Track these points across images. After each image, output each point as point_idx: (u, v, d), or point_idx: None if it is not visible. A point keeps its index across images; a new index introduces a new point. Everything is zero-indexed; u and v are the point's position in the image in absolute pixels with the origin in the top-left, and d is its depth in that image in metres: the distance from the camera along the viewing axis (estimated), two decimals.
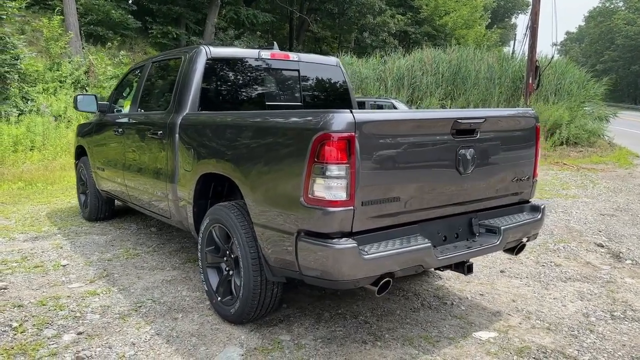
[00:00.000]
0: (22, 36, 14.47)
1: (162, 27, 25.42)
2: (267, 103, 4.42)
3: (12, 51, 12.84)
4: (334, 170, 2.56)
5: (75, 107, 5.51)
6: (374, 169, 2.68)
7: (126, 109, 5.49)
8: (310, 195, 2.64)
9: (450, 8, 30.59)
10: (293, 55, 4.64)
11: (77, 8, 21.77)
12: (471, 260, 3.29)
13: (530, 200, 3.74)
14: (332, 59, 5.00)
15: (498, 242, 3.26)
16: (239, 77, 4.32)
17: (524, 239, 3.57)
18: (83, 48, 19.87)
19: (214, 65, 4.16)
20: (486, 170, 3.27)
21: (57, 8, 20.71)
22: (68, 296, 3.87)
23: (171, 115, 4.06)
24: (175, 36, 25.69)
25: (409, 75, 19.26)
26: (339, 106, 4.86)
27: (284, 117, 2.97)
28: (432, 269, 4.42)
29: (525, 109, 3.77)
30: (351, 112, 2.59)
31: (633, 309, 3.86)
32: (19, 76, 13.44)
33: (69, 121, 14.08)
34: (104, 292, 3.96)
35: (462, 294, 4.11)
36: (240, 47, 23.13)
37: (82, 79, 16.85)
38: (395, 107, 15.17)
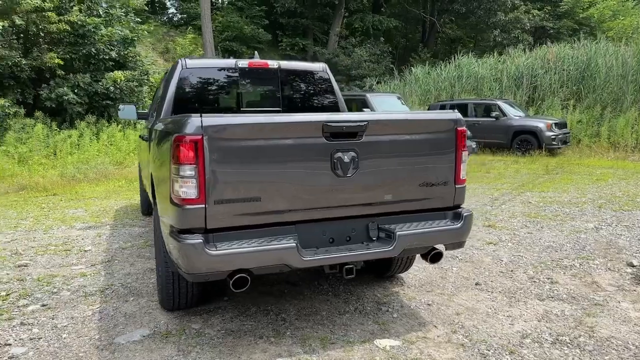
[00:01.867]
0: (148, 55, 16.43)
1: (290, 40, 26.89)
2: (242, 109, 4.72)
3: (141, 67, 14.81)
4: (186, 170, 2.79)
5: (119, 115, 6.36)
6: (225, 169, 2.83)
7: None
8: (173, 194, 2.90)
9: None
10: (273, 63, 4.88)
11: (215, 26, 24.09)
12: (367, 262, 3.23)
13: (459, 206, 3.51)
14: (317, 65, 5.12)
15: (391, 248, 3.16)
16: (213, 85, 4.70)
17: (439, 247, 3.39)
18: None
19: (188, 76, 4.58)
20: (378, 173, 3.19)
21: (190, 27, 23.08)
22: (63, 275, 4.59)
23: (153, 121, 4.58)
24: (302, 47, 27.01)
25: (528, 74, 17.91)
26: (323, 110, 4.97)
27: (165, 122, 3.26)
28: (398, 274, 4.39)
29: (444, 112, 3.53)
30: (201, 116, 2.79)
31: (591, 335, 3.38)
32: (149, 88, 15.41)
33: None
34: (92, 275, 4.62)
35: (409, 302, 3.97)
36: (356, 53, 23.49)
37: None
38: (500, 109, 14.39)
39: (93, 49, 13.43)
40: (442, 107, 14.51)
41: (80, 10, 13.42)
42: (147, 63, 15.54)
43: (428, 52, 28.64)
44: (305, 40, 26.97)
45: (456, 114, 3.41)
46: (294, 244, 2.92)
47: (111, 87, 13.42)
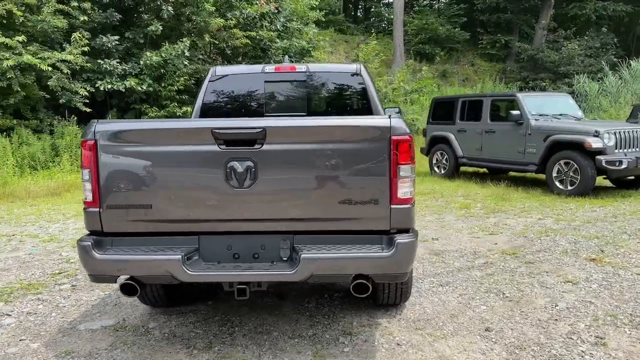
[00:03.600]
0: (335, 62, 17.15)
1: (492, 37, 25.22)
2: (265, 114, 4.68)
3: None
4: (85, 174, 2.94)
5: None
6: (116, 175, 2.89)
7: None
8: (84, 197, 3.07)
9: None
10: (301, 67, 4.70)
11: (407, 30, 24.07)
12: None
13: (407, 230, 2.89)
14: (350, 67, 4.73)
15: (293, 272, 2.78)
16: (240, 91, 4.75)
17: (366, 278, 2.84)
18: (404, 67, 21.60)
19: (217, 83, 4.73)
20: (284, 186, 2.83)
21: (374, 33, 23.39)
22: (77, 268, 5.14)
23: None
24: (504, 43, 25.08)
25: None
26: (353, 114, 4.61)
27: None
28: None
29: (374, 117, 2.89)
30: (98, 121, 2.91)
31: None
32: None
33: None
34: None
35: (380, 337, 3.41)
36: (566, 47, 20.68)
37: (389, 96, 18.66)
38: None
39: (272, 61, 14.72)
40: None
41: (262, 27, 14.86)
42: None
43: None
44: (507, 36, 24.88)
45: (392, 120, 2.82)
46: (179, 256, 2.80)
47: None
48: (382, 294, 3.72)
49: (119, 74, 12.76)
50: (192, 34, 14.10)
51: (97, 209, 2.93)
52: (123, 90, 12.77)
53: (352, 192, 2.84)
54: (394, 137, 2.80)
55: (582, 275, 4.53)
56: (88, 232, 3.02)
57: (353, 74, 4.69)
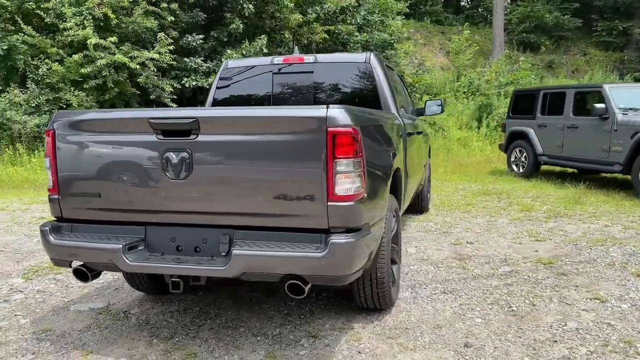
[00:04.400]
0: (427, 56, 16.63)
1: (608, 23, 22.91)
2: (273, 105, 4.60)
3: (396, 68, 15.26)
4: (47, 162, 3.10)
5: None
6: (69, 163, 2.99)
7: None
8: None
9: None
10: (309, 58, 4.54)
11: (510, 19, 22.68)
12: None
13: (351, 230, 2.67)
14: (359, 56, 4.46)
15: (224, 268, 2.69)
16: (250, 84, 4.71)
17: (300, 279, 2.66)
18: (502, 58, 20.42)
19: (229, 76, 4.75)
20: (219, 178, 2.74)
21: (467, 23, 22.29)
22: None
23: None
24: (622, 30, 22.67)
25: None
26: (359, 105, 4.37)
27: None
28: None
29: (310, 107, 2.63)
30: (59, 112, 3.04)
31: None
32: (409, 88, 15.76)
33: (441, 128, 15.47)
34: None
35: (345, 344, 3.19)
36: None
37: (482, 88, 17.71)
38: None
39: None
40: None
41: (343, 21, 14.76)
42: (409, 64, 15.92)
43: None
44: (626, 22, 22.32)
45: (330, 110, 2.60)
46: (120, 246, 2.83)
47: None
48: (358, 297, 3.49)
49: (204, 71, 13.40)
50: (274, 31, 14.39)
51: (57, 196, 3.06)
52: (207, 87, 13.39)
53: (287, 186, 2.67)
54: (330, 129, 2.58)
55: (617, 293, 3.90)
56: (54, 218, 3.17)
57: (361, 63, 4.44)
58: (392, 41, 15.32)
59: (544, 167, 10.49)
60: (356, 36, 14.51)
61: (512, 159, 10.65)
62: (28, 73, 12.29)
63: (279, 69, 4.63)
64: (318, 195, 2.63)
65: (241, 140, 2.71)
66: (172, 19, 13.08)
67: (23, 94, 12.05)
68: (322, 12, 14.44)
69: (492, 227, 6.20)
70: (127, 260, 2.82)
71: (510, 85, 17.04)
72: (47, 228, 3.03)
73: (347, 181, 2.64)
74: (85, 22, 12.13)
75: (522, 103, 10.49)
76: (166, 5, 13.00)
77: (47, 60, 12.24)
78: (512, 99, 10.93)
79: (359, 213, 2.72)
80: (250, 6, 13.37)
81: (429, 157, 7.44)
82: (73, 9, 12.25)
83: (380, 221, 3.16)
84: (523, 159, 10.32)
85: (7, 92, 11.92)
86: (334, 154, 2.59)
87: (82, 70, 12.08)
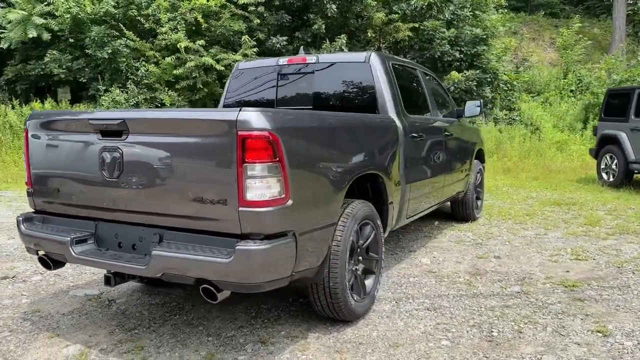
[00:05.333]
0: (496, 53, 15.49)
1: None
2: (277, 107, 4.58)
3: (486, 65, 14.45)
4: (23, 157, 3.40)
5: None
6: (37, 160, 3.26)
7: None
8: None
9: None
10: (311, 58, 4.44)
11: (636, 10, 20.49)
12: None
13: (277, 235, 2.61)
14: (359, 55, 4.24)
15: (144, 267, 2.76)
16: (257, 85, 4.72)
17: (212, 284, 2.63)
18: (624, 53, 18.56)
19: (239, 78, 4.82)
20: (144, 179, 2.80)
21: (578, 15, 20.39)
22: None
23: None
24: None
25: None
26: (358, 106, 4.22)
27: None
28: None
29: (224, 110, 2.52)
30: (33, 111, 3.32)
31: None
32: (506, 86, 14.85)
33: (537, 129, 14.37)
34: None
35: (288, 354, 3.11)
36: None
37: (592, 86, 16.22)
38: None
39: (438, 52, 14.04)
40: None
41: (430, 17, 14.25)
42: (513, 59, 14.97)
43: None
44: None
45: (240, 113, 2.53)
46: (67, 239, 3.02)
47: (451, 88, 13.73)
48: (315, 306, 3.38)
49: None
50: (358, 30, 14.32)
51: (31, 190, 3.35)
52: None
53: (203, 190, 2.66)
54: (240, 132, 2.52)
55: (629, 327, 3.34)
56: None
57: (359, 63, 4.25)
58: (485, 36, 14.44)
59: (638, 176, 9.25)
60: (443, 32, 13.91)
61: (602, 167, 9.54)
62: (129, 74, 13.51)
63: (283, 70, 4.60)
64: (231, 200, 2.58)
65: (162, 142, 2.76)
66: (259, 21, 13.57)
67: (123, 93, 13.27)
68: (408, 8, 14.07)
69: (536, 241, 5.61)
70: (72, 253, 3.00)
71: (625, 82, 15.26)
72: (21, 218, 3.33)
73: (262, 186, 2.56)
74: (178, 27, 13.03)
75: (616, 104, 9.34)
76: (254, 8, 13.52)
77: (144, 63, 13.35)
78: (605, 99, 9.78)
79: (278, 219, 2.63)
80: (334, 6, 13.43)
81: (483, 161, 6.92)
82: (168, 14, 13.22)
83: (324, 229, 3.02)
84: (614, 167, 9.20)
85: (110, 91, 13.21)
86: (244, 158, 2.52)
87: (175, 72, 13.00)
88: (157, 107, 13.39)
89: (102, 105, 13.04)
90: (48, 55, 13.47)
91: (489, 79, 14.24)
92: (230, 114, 2.55)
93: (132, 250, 2.99)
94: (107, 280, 3.07)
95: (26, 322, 3.59)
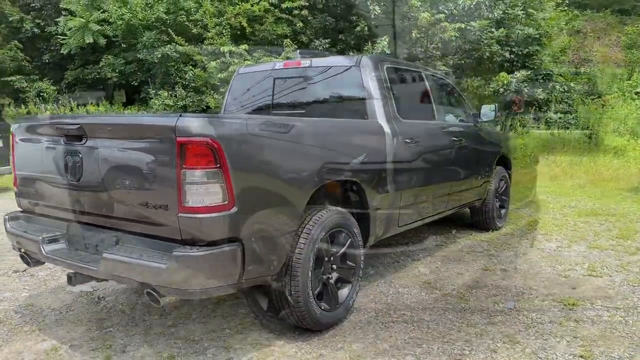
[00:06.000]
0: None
1: None
2: (272, 112, 4.58)
3: (539, 66, 13.77)
4: (11, 159, 3.60)
5: None
6: (20, 162, 3.45)
7: None
8: None
9: None
10: (305, 62, 4.40)
11: None
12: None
13: (222, 241, 2.63)
14: (349, 60, 4.14)
15: (96, 269, 2.84)
16: (255, 90, 4.73)
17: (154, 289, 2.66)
18: None
19: (239, 82, 4.86)
20: (99, 182, 2.88)
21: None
22: None
23: None
24: None
25: None
26: (347, 111, 4.15)
27: None
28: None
29: (163, 115, 2.51)
30: (21, 118, 3.51)
31: None
32: (562, 87, 14.14)
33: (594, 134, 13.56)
34: None
35: (248, 346, 3.10)
36: None
37: None
38: None
39: (487, 52, 13.56)
40: None
41: (479, 16, 13.77)
42: (573, 59, 14.24)
43: None
44: None
45: (180, 120, 2.54)
46: (39, 238, 3.17)
47: (500, 89, 13.23)
48: (281, 313, 3.33)
49: None
50: (403, 31, 14.08)
51: (17, 190, 3.54)
52: None
53: (148, 195, 2.70)
54: (179, 139, 2.54)
55: (617, 354, 3.06)
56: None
57: (349, 68, 4.16)
58: (538, 35, 13.76)
59: None
60: (491, 32, 13.40)
61: None
62: (178, 78, 14.01)
63: (279, 74, 4.59)
64: (171, 206, 2.61)
65: (114, 146, 2.85)
66: (302, 24, 13.66)
67: (172, 96, 13.77)
68: (455, 8, 13.67)
69: (555, 254, 5.27)
70: (43, 251, 3.14)
71: None
72: (7, 217, 3.53)
73: (202, 192, 2.57)
74: (224, 32, 13.37)
75: None
76: (298, 12, 13.64)
77: (191, 67, 13.80)
78: None
79: (221, 226, 2.62)
80: (377, 8, 13.29)
81: (509, 168, 6.59)
82: (215, 19, 13.59)
83: (282, 236, 2.98)
84: None
85: (159, 94, 13.76)
86: (183, 164, 2.54)
87: (220, 75, 13.34)
88: (203, 110, 13.81)
89: (152, 108, 13.61)
90: (103, 59, 14.22)
91: (541, 80, 13.55)
92: (170, 120, 2.57)
93: (96, 252, 3.08)
94: (69, 279, 3.19)
95: (16, 315, 3.79)
